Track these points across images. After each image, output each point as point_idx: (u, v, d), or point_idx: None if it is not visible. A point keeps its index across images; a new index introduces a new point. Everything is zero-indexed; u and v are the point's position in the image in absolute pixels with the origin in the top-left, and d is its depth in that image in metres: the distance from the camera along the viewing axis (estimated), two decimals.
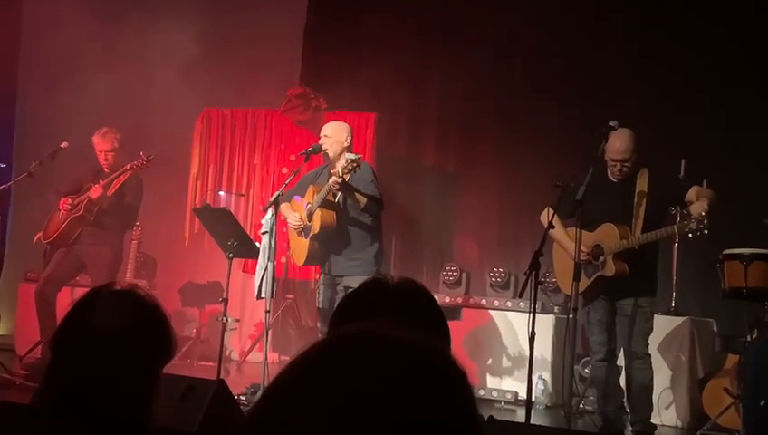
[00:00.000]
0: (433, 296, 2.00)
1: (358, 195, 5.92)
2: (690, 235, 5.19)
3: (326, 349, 0.94)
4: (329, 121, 6.61)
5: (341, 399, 0.87)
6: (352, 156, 5.74)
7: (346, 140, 6.13)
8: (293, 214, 6.18)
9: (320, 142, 6.16)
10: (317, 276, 6.76)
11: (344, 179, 5.72)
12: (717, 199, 5.30)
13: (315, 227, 5.97)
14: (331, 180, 5.79)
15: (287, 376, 0.92)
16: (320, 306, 6.17)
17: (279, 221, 6.14)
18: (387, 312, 1.82)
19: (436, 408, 0.89)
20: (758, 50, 7.43)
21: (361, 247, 6.06)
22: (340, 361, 0.91)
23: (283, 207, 6.18)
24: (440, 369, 0.93)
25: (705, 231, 5.11)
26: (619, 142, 5.43)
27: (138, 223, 7.30)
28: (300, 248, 6.21)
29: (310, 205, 6.06)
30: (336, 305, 1.98)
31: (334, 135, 6.12)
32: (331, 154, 6.09)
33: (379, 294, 1.90)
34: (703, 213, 5.10)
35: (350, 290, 5.85)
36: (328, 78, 8.98)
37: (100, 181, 6.94)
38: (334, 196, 6.00)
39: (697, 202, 5.24)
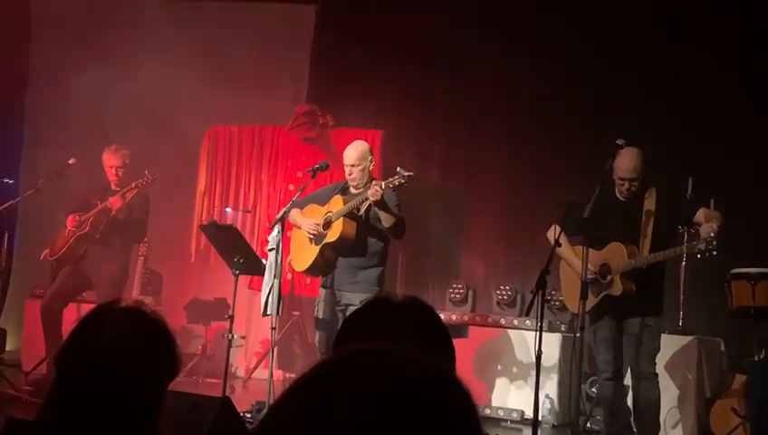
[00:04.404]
0: (438, 314, 2.00)
1: (388, 213, 5.81)
2: (699, 256, 5.19)
3: (330, 368, 0.94)
4: (333, 139, 6.55)
5: (344, 418, 0.87)
6: (405, 172, 5.65)
7: (371, 162, 6.03)
8: (308, 220, 6.10)
9: (346, 172, 6.06)
10: None
11: (383, 193, 5.65)
12: (725, 221, 5.29)
13: (333, 235, 5.90)
14: (371, 190, 5.64)
15: (292, 394, 0.92)
16: (319, 317, 6.12)
17: (286, 238, 6.10)
18: (391, 330, 1.82)
19: (440, 427, 0.89)
20: (760, 64, 7.43)
21: (367, 267, 6.01)
22: (343, 380, 0.91)
23: (295, 213, 6.13)
24: (443, 387, 0.93)
25: (714, 252, 5.11)
26: (628, 161, 5.43)
27: (145, 239, 7.34)
28: (305, 255, 6.13)
29: (331, 214, 6.00)
30: (341, 323, 1.98)
31: (361, 162, 5.99)
32: (357, 183, 5.97)
33: (384, 312, 1.90)
34: (712, 234, 5.10)
35: (351, 306, 5.80)
36: (335, 95, 9.00)
37: (119, 193, 6.98)
38: (359, 209, 5.97)
39: (706, 224, 5.24)
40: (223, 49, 8.95)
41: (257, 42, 9.13)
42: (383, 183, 5.61)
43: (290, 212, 6.09)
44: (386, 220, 5.85)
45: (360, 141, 6.30)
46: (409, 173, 5.62)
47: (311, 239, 6.07)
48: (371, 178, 6.00)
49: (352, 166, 5.99)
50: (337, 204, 5.97)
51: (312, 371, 0.94)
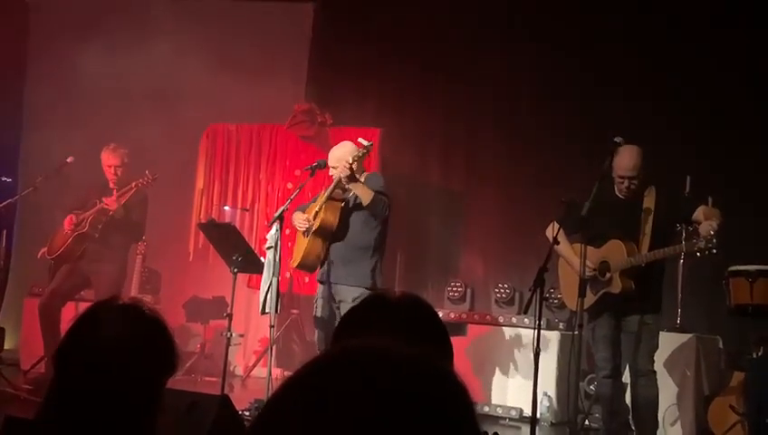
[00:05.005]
0: (435, 311, 2.00)
1: (365, 189, 5.88)
2: (699, 254, 5.19)
3: (328, 363, 0.94)
4: (331, 138, 6.58)
5: (342, 414, 0.87)
6: (365, 142, 5.71)
7: (354, 160, 6.07)
8: (302, 216, 6.17)
9: (330, 173, 6.16)
10: None
11: (352, 167, 5.69)
12: (724, 219, 5.29)
13: (317, 222, 5.98)
14: (339, 167, 5.76)
15: (289, 388, 0.92)
16: (317, 315, 6.16)
17: (284, 236, 6.13)
18: (388, 327, 1.82)
19: (437, 424, 0.89)
20: (760, 64, 7.43)
21: (360, 258, 6.04)
22: (340, 376, 0.91)
23: (296, 214, 6.19)
24: (441, 384, 0.93)
25: (714, 251, 5.11)
26: (628, 159, 5.43)
27: (142, 239, 7.34)
28: (298, 249, 6.22)
29: (317, 207, 6.07)
30: (339, 320, 1.98)
31: (338, 163, 6.04)
32: (345, 181, 6.02)
33: (382, 309, 1.90)
34: (712, 232, 5.09)
35: (344, 303, 5.86)
36: (333, 94, 9.00)
37: (115, 193, 6.99)
38: (343, 198, 6.00)
39: (706, 222, 5.22)
40: (222, 47, 8.94)
41: (256, 40, 9.12)
42: (350, 157, 5.68)
43: (293, 215, 6.16)
44: (363, 197, 5.90)
45: (342, 143, 6.36)
46: (369, 142, 5.80)
47: (303, 233, 6.13)
48: (361, 172, 6.07)
49: (333, 168, 6.09)
50: (322, 196, 6.09)
51: (309, 366, 0.94)
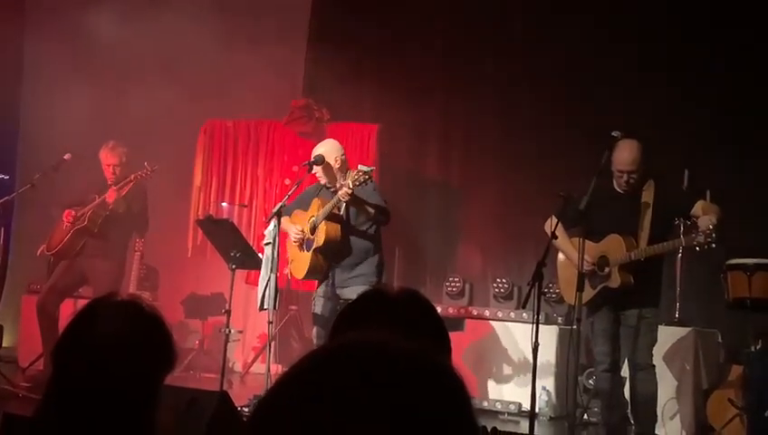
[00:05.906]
0: (433, 306, 2.00)
1: (367, 206, 5.92)
2: (698, 248, 5.19)
3: (325, 357, 0.94)
4: (329, 133, 6.58)
5: (338, 408, 0.87)
6: (365, 168, 5.70)
7: (336, 160, 6.10)
8: (294, 227, 6.18)
9: (315, 172, 6.17)
10: None
11: (353, 191, 5.71)
12: (723, 213, 5.28)
13: (320, 240, 5.97)
14: (340, 192, 5.75)
15: (286, 382, 0.92)
16: (317, 312, 6.16)
17: (282, 232, 6.14)
18: (386, 321, 1.81)
19: (435, 418, 0.89)
20: (760, 59, 7.43)
21: (363, 259, 6.08)
22: (335, 370, 0.90)
23: (284, 221, 6.18)
24: (439, 379, 0.92)
25: (713, 245, 5.11)
26: (627, 153, 5.42)
27: (146, 231, 7.33)
28: (301, 262, 6.20)
29: (314, 218, 6.05)
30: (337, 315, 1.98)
31: (328, 155, 6.09)
32: (326, 181, 6.09)
33: (379, 303, 1.90)
34: (711, 226, 5.09)
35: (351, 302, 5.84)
36: (331, 89, 8.98)
37: (112, 188, 6.98)
38: (339, 209, 6.01)
39: (705, 216, 5.22)
40: (218, 43, 8.92)
41: (253, 36, 9.09)
42: (350, 182, 5.68)
43: (282, 221, 6.17)
44: (368, 213, 5.95)
45: (325, 141, 6.38)
46: (371, 168, 5.76)
47: (300, 246, 6.13)
48: (345, 171, 6.06)
49: (319, 166, 6.11)
50: (317, 208, 6.07)
51: (305, 360, 0.93)
